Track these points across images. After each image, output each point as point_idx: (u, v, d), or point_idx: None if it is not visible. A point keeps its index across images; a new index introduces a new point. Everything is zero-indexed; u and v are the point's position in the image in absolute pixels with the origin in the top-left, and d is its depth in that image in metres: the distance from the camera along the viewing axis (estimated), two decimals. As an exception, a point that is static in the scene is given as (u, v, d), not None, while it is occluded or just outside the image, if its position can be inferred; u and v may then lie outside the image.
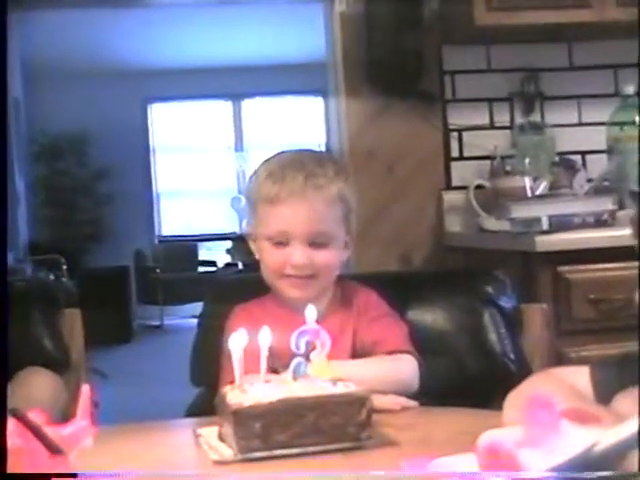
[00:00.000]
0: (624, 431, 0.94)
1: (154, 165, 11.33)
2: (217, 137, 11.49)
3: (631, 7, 2.99)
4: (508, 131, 3.40)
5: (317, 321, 1.48)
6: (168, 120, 11.37)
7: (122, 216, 10.32)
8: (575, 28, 3.16)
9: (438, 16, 3.24)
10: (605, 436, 0.94)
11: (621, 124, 3.16)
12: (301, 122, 11.07)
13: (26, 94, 8.88)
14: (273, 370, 1.55)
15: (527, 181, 3.12)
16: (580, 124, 3.43)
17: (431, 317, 2.12)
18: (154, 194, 11.36)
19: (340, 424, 1.37)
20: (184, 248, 11.20)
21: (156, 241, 11.33)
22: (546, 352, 2.12)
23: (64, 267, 7.75)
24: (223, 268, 10.84)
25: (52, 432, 1.04)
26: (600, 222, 2.80)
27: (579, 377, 1.38)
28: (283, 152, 1.95)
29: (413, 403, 1.71)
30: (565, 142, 3.36)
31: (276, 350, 1.43)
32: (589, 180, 3.22)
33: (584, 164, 3.37)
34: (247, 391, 1.39)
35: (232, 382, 1.43)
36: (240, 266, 10.38)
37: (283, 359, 1.48)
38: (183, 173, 11.39)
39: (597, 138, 3.28)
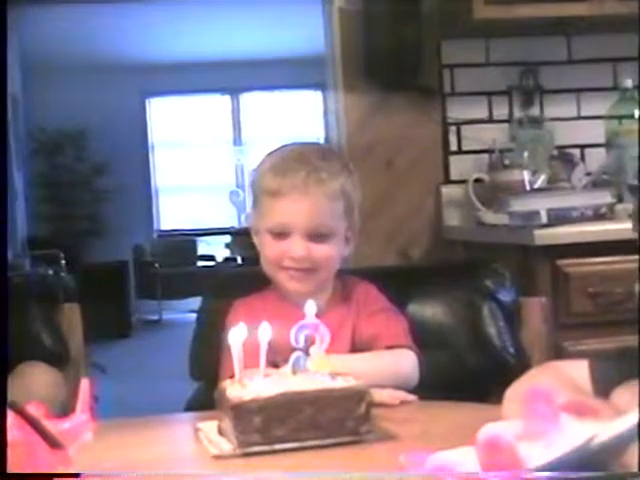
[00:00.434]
0: (623, 424, 0.94)
1: (153, 160, 11.33)
2: (215, 131, 11.50)
3: (629, 0, 2.99)
4: (507, 125, 3.40)
5: (317, 315, 1.48)
6: (166, 115, 11.38)
7: (121, 211, 10.32)
8: (574, 21, 3.16)
9: (436, 10, 3.24)
10: (604, 429, 0.94)
11: (620, 117, 3.16)
12: (300, 116, 11.07)
13: (24, 90, 8.87)
14: (273, 364, 1.55)
15: (526, 175, 3.12)
16: (579, 118, 3.43)
17: (430, 311, 2.13)
18: (153, 189, 11.36)
19: (339, 418, 1.37)
20: (183, 243, 11.20)
21: (155, 236, 11.34)
22: (545, 345, 2.12)
23: (63, 262, 7.74)
24: (222, 262, 10.85)
25: (51, 426, 1.03)
26: (599, 215, 2.80)
27: (578, 370, 1.38)
28: (287, 145, 1.95)
29: (412, 397, 1.71)
30: (564, 136, 3.36)
31: (276, 344, 1.43)
32: (588, 174, 3.22)
33: (583, 158, 3.37)
34: (246, 385, 1.39)
35: (232, 376, 1.43)
36: (239, 260, 10.39)
37: (283, 353, 1.48)
38: (182, 167, 11.39)
39: (596, 132, 3.28)
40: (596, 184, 3.07)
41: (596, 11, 3.04)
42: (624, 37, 3.30)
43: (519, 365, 2.00)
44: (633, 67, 3.31)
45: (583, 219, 2.78)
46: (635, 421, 0.93)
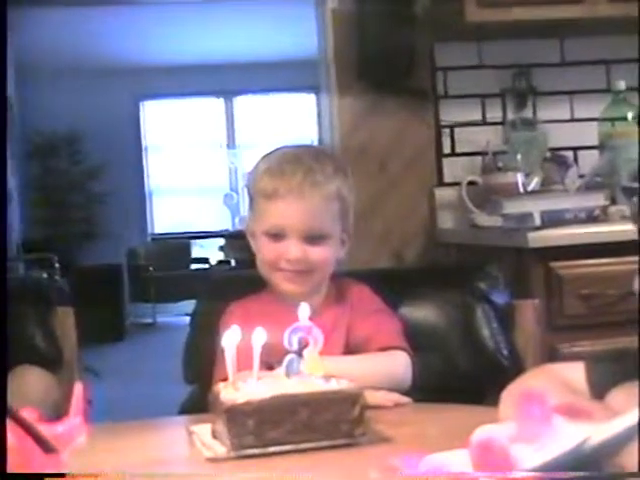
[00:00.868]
0: (617, 426, 0.94)
1: (146, 163, 11.32)
2: (209, 134, 11.50)
3: (622, 3, 3.00)
4: (500, 127, 3.40)
5: (311, 317, 1.48)
6: (160, 118, 11.37)
7: (115, 214, 10.31)
8: (567, 24, 3.16)
9: (430, 13, 3.24)
10: (598, 431, 0.94)
11: (613, 120, 3.17)
12: (293, 119, 11.07)
13: (18, 92, 8.87)
14: (268, 366, 1.55)
15: (519, 177, 3.13)
16: (572, 120, 3.43)
17: (424, 313, 2.12)
18: (146, 192, 11.35)
19: (333, 421, 1.37)
20: (177, 246, 11.20)
21: (149, 239, 11.33)
22: (538, 348, 2.12)
23: (57, 265, 7.75)
24: (216, 265, 10.85)
25: (45, 430, 1.03)
26: (592, 218, 2.81)
27: (575, 373, 1.38)
28: (283, 147, 1.96)
29: (406, 399, 1.71)
30: (557, 138, 3.37)
31: (271, 346, 1.43)
32: (581, 176, 3.22)
33: (576, 160, 3.37)
34: (240, 388, 1.39)
35: (225, 379, 1.43)
36: (233, 263, 10.39)
37: (278, 355, 1.48)
38: (175, 170, 11.39)
39: (589, 134, 3.28)
40: (589, 186, 3.08)
41: (589, 13, 3.04)
42: (617, 39, 3.32)
43: (512, 367, 2.00)
44: (626, 69, 3.31)
45: (576, 221, 2.78)
46: (629, 423, 0.93)
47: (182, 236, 11.38)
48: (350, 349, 1.85)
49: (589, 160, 3.30)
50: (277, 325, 1.46)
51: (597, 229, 2.72)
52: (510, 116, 3.41)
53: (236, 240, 9.35)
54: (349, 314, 1.90)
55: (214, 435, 1.41)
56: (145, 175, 11.31)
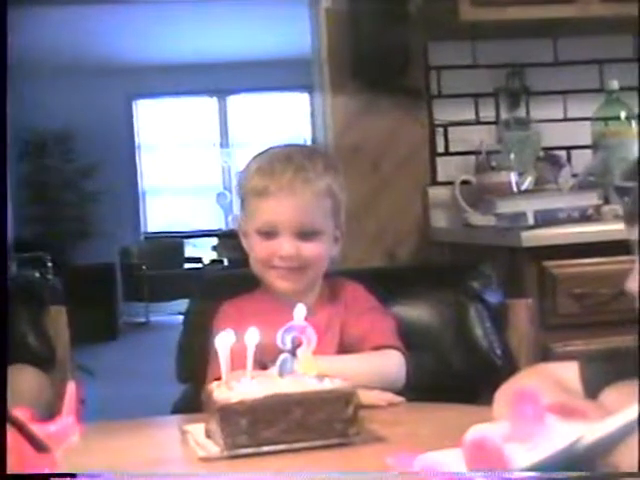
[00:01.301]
0: (610, 425, 0.94)
1: (139, 162, 11.31)
2: (203, 134, 11.48)
3: (615, 2, 3.00)
4: (493, 126, 3.40)
5: (305, 316, 1.48)
6: (153, 117, 11.35)
7: (108, 213, 10.29)
8: (560, 23, 3.17)
9: (423, 11, 3.24)
10: (591, 430, 0.94)
11: (606, 119, 3.17)
12: (287, 118, 11.06)
13: (11, 91, 8.84)
14: (262, 365, 1.55)
15: (512, 176, 3.13)
16: (565, 119, 3.44)
17: (417, 312, 2.13)
18: (140, 191, 11.34)
19: (326, 420, 1.37)
20: (170, 245, 11.19)
21: (142, 238, 11.31)
22: (531, 347, 2.12)
23: (49, 264, 7.73)
24: (209, 265, 10.84)
25: (38, 429, 1.03)
26: (585, 217, 2.81)
27: (568, 372, 1.38)
28: (273, 146, 1.96)
29: (400, 399, 1.71)
30: (550, 137, 3.37)
31: (264, 345, 1.43)
32: (574, 175, 3.22)
33: (569, 159, 3.38)
34: (233, 387, 1.39)
35: (219, 379, 1.43)
36: (226, 262, 10.38)
37: (272, 354, 1.48)
38: (169, 170, 11.38)
39: (582, 133, 3.29)
40: (582, 186, 3.08)
41: (582, 13, 3.04)
42: (610, 39, 3.32)
43: (506, 366, 2.01)
44: (619, 69, 3.32)
45: (570, 220, 2.79)
46: (623, 422, 0.93)
47: (175, 235, 11.36)
48: (344, 348, 1.85)
49: (582, 159, 3.30)
50: (271, 324, 1.46)
51: (590, 228, 2.72)
52: (503, 115, 3.41)
53: (229, 239, 9.34)
54: (343, 313, 1.90)
55: (207, 434, 1.41)
56: (138, 174, 11.30)
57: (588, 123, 3.24)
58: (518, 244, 2.68)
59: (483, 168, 3.27)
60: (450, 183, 3.30)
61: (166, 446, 1.55)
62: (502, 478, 0.92)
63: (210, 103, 11.48)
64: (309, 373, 1.42)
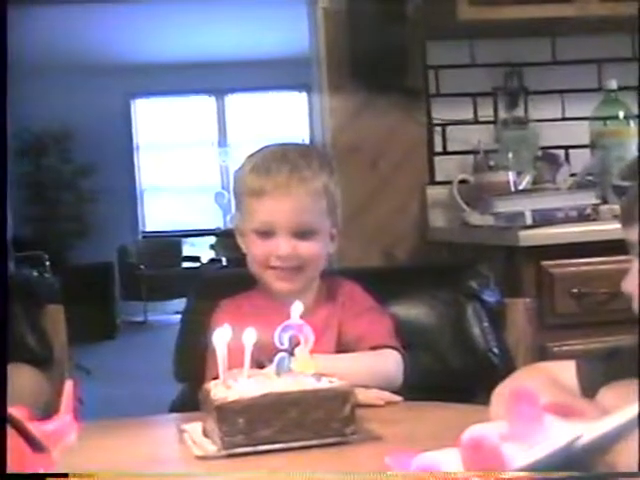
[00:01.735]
0: (607, 425, 0.94)
1: (137, 161, 11.30)
2: (201, 133, 11.48)
3: (614, 2, 3.00)
4: (492, 126, 3.40)
5: (302, 316, 1.48)
6: (151, 116, 11.35)
7: (106, 212, 10.29)
8: (558, 23, 3.16)
9: (421, 11, 3.24)
10: (589, 430, 0.94)
11: (604, 119, 3.17)
12: (285, 117, 11.06)
13: (9, 90, 8.83)
14: (259, 364, 1.55)
15: (510, 176, 3.13)
16: (563, 119, 3.44)
17: (415, 312, 2.13)
18: (138, 190, 11.33)
19: (324, 419, 1.37)
20: (168, 244, 11.18)
21: (140, 237, 11.31)
22: (529, 346, 2.12)
23: (47, 263, 7.72)
24: (207, 264, 10.84)
25: (35, 428, 1.03)
26: (583, 216, 2.81)
27: (566, 371, 1.38)
28: (268, 146, 1.96)
29: (397, 398, 1.71)
30: (548, 137, 3.37)
31: (262, 344, 1.43)
32: (572, 175, 3.22)
33: (567, 159, 3.38)
34: (231, 386, 1.38)
35: (216, 378, 1.42)
36: (224, 262, 10.38)
37: (269, 353, 1.48)
38: (167, 169, 11.37)
39: (580, 133, 3.28)
40: (581, 185, 3.08)
41: (580, 12, 3.04)
42: (608, 38, 3.32)
43: (503, 366, 2.01)
44: (617, 68, 3.32)
45: (568, 220, 2.78)
46: (620, 421, 0.93)
47: (173, 234, 11.36)
48: (341, 348, 1.85)
49: (580, 159, 3.30)
50: (268, 323, 1.46)
51: (588, 228, 2.72)
52: (502, 115, 3.41)
53: (227, 238, 9.33)
54: (340, 313, 1.90)
55: (205, 433, 1.41)
56: (136, 173, 11.30)
57: (586, 122, 3.24)
58: (516, 243, 2.68)
59: (481, 167, 3.26)
60: (448, 182, 3.30)
61: (163, 445, 1.55)
62: (499, 478, 0.92)
63: (208, 102, 11.48)
64: (306, 372, 1.42)
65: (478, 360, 2.09)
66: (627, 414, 0.93)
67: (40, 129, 10.01)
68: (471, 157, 3.35)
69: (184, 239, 11.41)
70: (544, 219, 2.76)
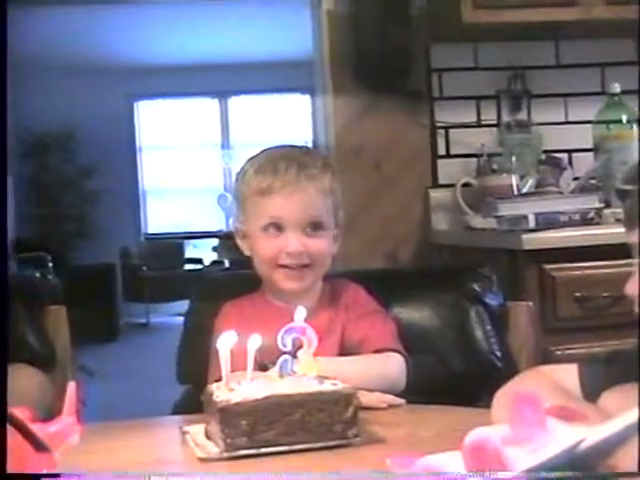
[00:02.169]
0: (610, 428, 0.94)
1: (140, 162, 11.31)
2: (204, 135, 11.47)
3: (617, 5, 3.00)
4: (495, 129, 3.40)
5: (305, 318, 1.48)
6: (154, 117, 11.35)
7: (108, 213, 10.29)
8: (562, 26, 3.17)
9: (425, 14, 3.24)
10: (591, 433, 0.94)
11: (607, 122, 3.17)
12: (288, 120, 11.05)
13: (11, 91, 8.84)
14: (262, 367, 1.55)
15: (514, 179, 3.13)
16: (567, 122, 3.44)
17: (417, 315, 2.13)
18: (140, 191, 11.34)
19: (327, 422, 1.37)
20: (170, 246, 11.18)
21: (142, 238, 11.31)
22: (532, 350, 2.12)
23: (50, 264, 7.72)
24: (209, 266, 10.83)
25: (38, 429, 1.03)
26: (586, 220, 2.81)
27: (568, 375, 1.38)
28: (268, 148, 1.96)
29: (400, 401, 1.71)
30: (552, 140, 3.37)
31: (265, 346, 1.43)
32: (575, 178, 3.22)
33: (570, 162, 3.38)
34: (234, 389, 1.38)
35: (219, 380, 1.42)
36: (227, 264, 10.38)
37: (272, 356, 1.48)
38: (169, 170, 11.37)
39: (583, 136, 3.28)
40: (584, 189, 3.08)
41: (584, 16, 3.04)
42: (612, 42, 3.32)
43: (506, 369, 2.01)
44: (621, 72, 3.32)
45: (571, 224, 2.78)
46: (622, 425, 0.93)
47: (176, 236, 11.36)
48: (344, 350, 1.85)
49: (584, 162, 3.30)
50: (271, 326, 1.46)
51: (591, 232, 2.71)
52: (505, 118, 3.41)
53: (230, 240, 9.25)
54: (343, 315, 1.90)
55: (207, 435, 1.41)
56: (139, 175, 11.30)
57: (589, 126, 3.24)
58: (519, 247, 2.68)
59: (484, 171, 3.27)
60: (451, 185, 3.30)
61: (166, 447, 1.55)
62: (502, 481, 0.92)
63: (211, 104, 11.48)
64: (309, 374, 1.42)
65: (480, 363, 2.09)
66: (629, 418, 0.93)
67: (43, 130, 10.01)
68: (474, 160, 3.35)
69: (187, 241, 11.41)
70: (547, 223, 2.76)
